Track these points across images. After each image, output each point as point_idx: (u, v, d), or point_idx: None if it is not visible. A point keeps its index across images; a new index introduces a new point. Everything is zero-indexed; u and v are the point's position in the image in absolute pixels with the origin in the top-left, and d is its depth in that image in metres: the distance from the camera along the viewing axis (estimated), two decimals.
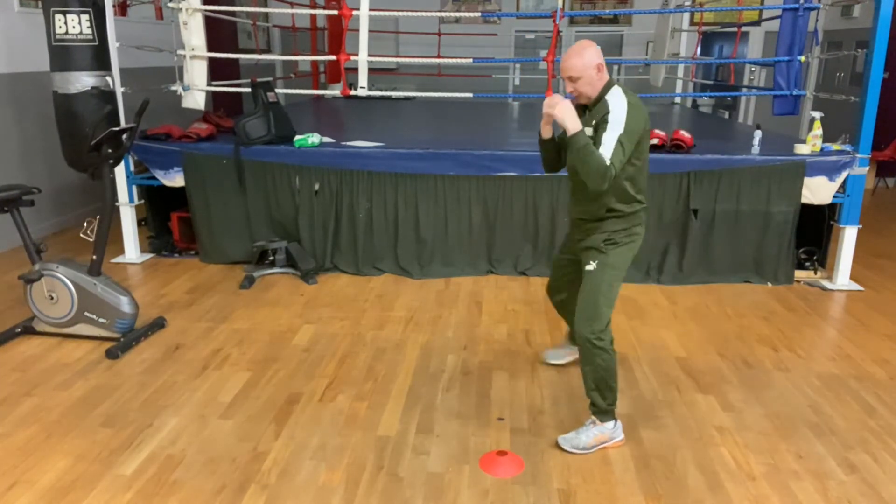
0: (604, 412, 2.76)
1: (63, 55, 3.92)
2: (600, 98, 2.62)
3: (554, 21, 4.75)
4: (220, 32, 7.23)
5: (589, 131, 2.60)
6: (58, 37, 3.89)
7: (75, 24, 3.88)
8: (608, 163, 2.49)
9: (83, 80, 3.91)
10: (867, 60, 4.40)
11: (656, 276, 4.73)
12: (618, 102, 2.57)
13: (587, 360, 2.71)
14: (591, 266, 2.75)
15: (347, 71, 5.14)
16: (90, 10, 3.93)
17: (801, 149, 4.61)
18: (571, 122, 2.54)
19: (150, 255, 5.17)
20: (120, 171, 4.88)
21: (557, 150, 2.84)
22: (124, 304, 3.66)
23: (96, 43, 3.97)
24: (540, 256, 4.83)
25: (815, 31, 5.10)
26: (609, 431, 2.76)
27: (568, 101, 2.60)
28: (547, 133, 2.79)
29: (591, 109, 2.66)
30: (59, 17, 3.86)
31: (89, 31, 3.93)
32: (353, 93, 4.91)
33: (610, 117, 2.54)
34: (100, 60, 4.01)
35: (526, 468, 2.63)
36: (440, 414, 3.02)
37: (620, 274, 2.76)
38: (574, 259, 2.96)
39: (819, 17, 4.82)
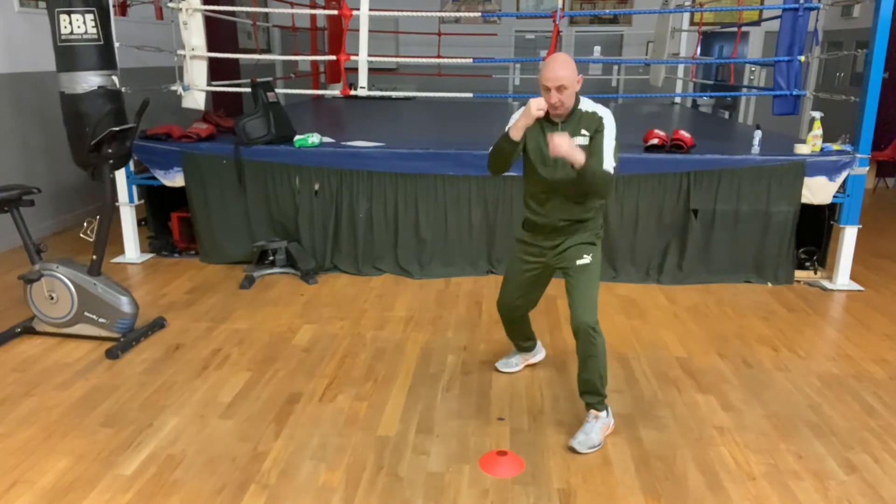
0: (602, 400, 2.84)
1: (69, 55, 3.91)
2: (574, 108, 2.72)
3: (554, 21, 4.76)
4: (220, 32, 7.23)
5: (579, 140, 2.69)
6: (63, 37, 3.89)
7: (80, 24, 3.87)
8: (611, 171, 2.63)
9: (90, 80, 3.91)
10: (867, 60, 4.40)
11: (656, 276, 4.73)
12: (606, 113, 2.73)
13: (591, 351, 2.75)
14: (585, 259, 2.82)
15: (347, 71, 5.15)
16: (94, 9, 3.93)
17: (801, 149, 4.61)
18: (580, 155, 2.60)
19: (150, 255, 5.17)
20: (120, 171, 4.88)
21: (518, 151, 2.84)
22: (124, 304, 3.66)
23: (101, 42, 3.97)
24: None
25: (815, 31, 5.10)
26: (606, 419, 2.85)
27: (565, 134, 2.63)
28: (518, 135, 2.73)
29: (568, 120, 2.73)
30: (63, 17, 3.86)
31: (94, 30, 3.92)
32: (353, 93, 4.91)
33: (605, 123, 2.69)
34: (105, 59, 4.01)
35: (526, 468, 2.63)
36: (440, 414, 3.02)
37: (600, 267, 2.90)
38: (541, 267, 2.98)
39: (819, 17, 4.82)
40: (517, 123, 2.71)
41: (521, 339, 3.38)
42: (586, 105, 2.75)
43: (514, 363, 3.43)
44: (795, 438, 2.86)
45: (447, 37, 9.44)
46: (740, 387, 3.30)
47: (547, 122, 2.75)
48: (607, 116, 2.72)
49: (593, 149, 2.65)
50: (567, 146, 2.59)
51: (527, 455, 2.71)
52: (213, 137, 5.07)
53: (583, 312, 2.74)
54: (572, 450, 2.73)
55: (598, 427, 2.79)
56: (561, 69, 2.62)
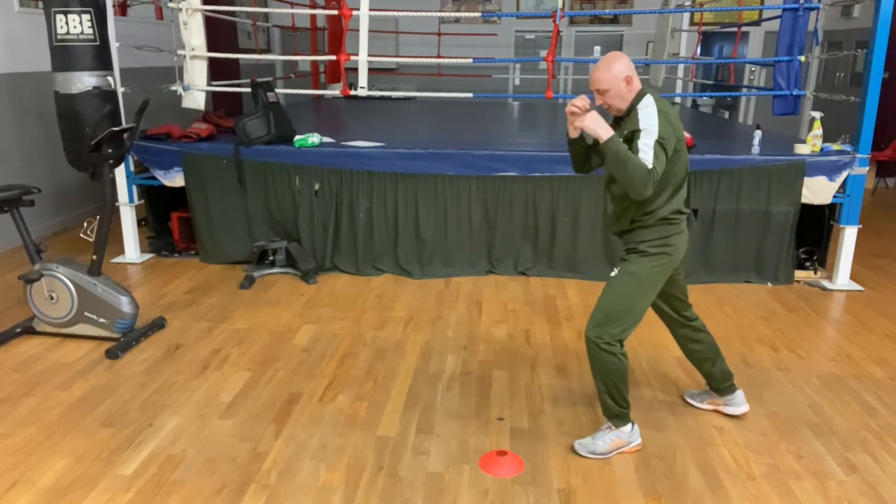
0: (617, 416, 2.71)
1: (64, 55, 3.91)
2: (632, 108, 2.57)
3: (554, 21, 4.75)
4: (220, 32, 7.23)
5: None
6: (59, 37, 3.89)
7: (76, 24, 3.88)
8: (650, 166, 2.41)
9: (85, 80, 3.91)
10: (867, 60, 4.40)
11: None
12: (648, 111, 2.51)
13: (593, 363, 2.66)
14: (614, 271, 2.68)
15: (347, 71, 5.14)
16: (91, 9, 3.93)
17: (801, 149, 4.61)
18: (603, 129, 2.49)
19: (150, 255, 5.17)
20: (120, 171, 4.89)
21: (586, 150, 2.76)
22: (124, 304, 3.66)
23: (97, 43, 3.97)
24: (540, 256, 4.83)
25: (815, 31, 5.10)
26: (626, 436, 2.73)
27: (594, 111, 2.56)
28: (574, 132, 2.67)
29: (624, 120, 2.60)
30: (59, 17, 3.86)
31: (90, 30, 3.92)
32: (353, 93, 4.90)
33: (641, 124, 2.48)
34: (101, 60, 4.01)
35: (526, 468, 2.63)
36: (440, 414, 3.02)
37: (643, 285, 2.63)
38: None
39: (819, 17, 4.81)
40: (568, 125, 2.67)
41: (700, 370, 3.03)
42: (645, 103, 2.54)
43: (699, 399, 3.12)
44: (795, 438, 2.86)
45: (447, 37, 9.45)
46: (740, 387, 3.28)
47: (614, 121, 2.67)
48: (647, 115, 2.50)
49: (632, 147, 2.49)
50: (587, 118, 2.50)
51: (527, 455, 2.71)
52: (213, 137, 5.07)
53: (589, 323, 2.65)
54: (573, 449, 2.74)
55: (608, 437, 2.71)
56: (597, 71, 2.54)
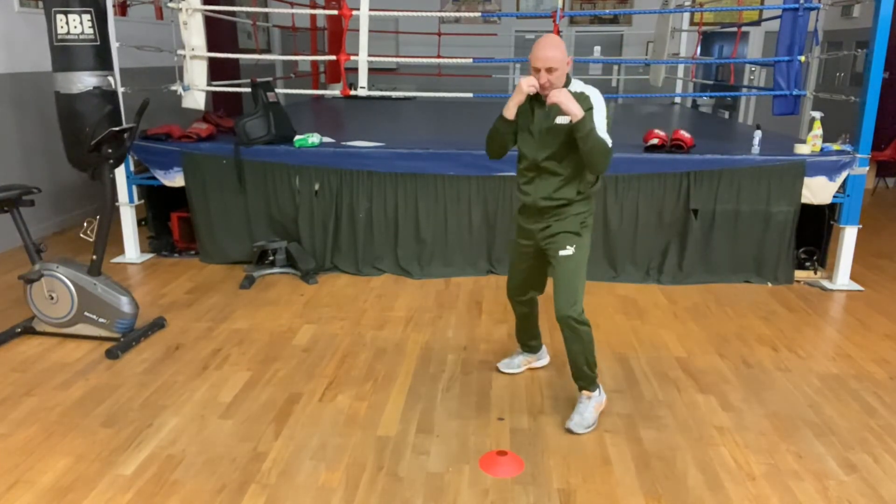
0: (592, 381, 2.93)
1: (65, 55, 3.92)
2: (565, 88, 2.71)
3: (554, 21, 4.76)
4: (220, 32, 7.23)
5: (565, 119, 2.68)
6: (59, 37, 3.89)
7: (77, 24, 3.88)
8: (609, 143, 2.65)
9: (85, 80, 3.91)
10: (867, 60, 4.40)
11: (656, 276, 4.73)
12: (593, 91, 2.74)
13: (574, 340, 2.83)
14: (568, 251, 2.82)
15: (347, 71, 5.15)
16: (91, 9, 3.93)
17: (801, 149, 4.61)
18: (577, 108, 2.61)
19: (150, 255, 5.17)
20: (120, 171, 4.89)
21: (513, 134, 2.87)
22: (124, 304, 3.66)
23: (98, 43, 3.97)
24: None
25: (815, 31, 5.10)
26: (598, 397, 2.96)
27: (564, 88, 2.67)
28: (512, 114, 2.79)
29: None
30: (60, 17, 3.86)
31: (91, 30, 3.92)
32: (353, 93, 4.91)
33: (594, 104, 2.69)
34: (101, 60, 4.01)
35: (526, 468, 2.63)
36: (440, 414, 3.02)
37: (587, 254, 2.89)
38: (533, 250, 2.99)
39: (819, 17, 4.82)
40: (510, 102, 2.78)
41: (528, 336, 3.37)
42: (576, 86, 2.75)
43: (517, 364, 3.42)
44: (795, 438, 2.86)
45: (447, 37, 9.44)
46: (740, 387, 3.30)
47: (537, 103, 2.77)
48: (595, 95, 2.73)
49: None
50: (563, 94, 2.61)
51: (527, 455, 2.71)
52: (213, 137, 5.07)
53: (563, 305, 2.79)
54: (569, 431, 2.83)
55: (591, 406, 2.91)
56: (550, 50, 2.63)
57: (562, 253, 2.81)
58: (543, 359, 3.48)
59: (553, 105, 2.66)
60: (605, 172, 2.74)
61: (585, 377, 2.92)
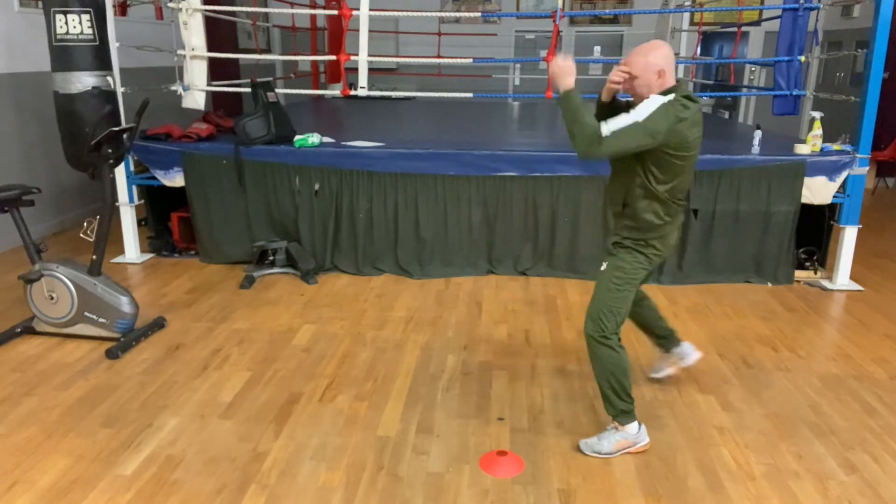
0: (623, 412, 2.69)
1: (64, 55, 3.91)
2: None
3: (554, 21, 4.75)
4: (220, 32, 7.23)
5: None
6: (58, 37, 3.89)
7: (76, 24, 3.87)
8: (603, 132, 2.40)
9: (84, 80, 3.91)
10: (867, 60, 4.40)
11: (656, 276, 4.73)
12: (657, 101, 2.45)
13: (593, 359, 2.68)
14: (602, 265, 2.74)
15: (347, 71, 5.14)
16: (91, 9, 3.93)
17: (801, 149, 4.61)
18: (563, 80, 2.48)
19: (150, 255, 5.17)
20: (120, 171, 4.88)
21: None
22: (124, 304, 3.66)
23: (97, 43, 3.97)
24: (540, 256, 4.83)
25: (815, 31, 5.10)
26: (632, 437, 2.71)
27: (570, 59, 2.52)
28: (607, 96, 2.65)
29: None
30: (59, 17, 3.86)
31: (90, 30, 3.92)
32: (353, 93, 4.90)
33: (639, 106, 2.46)
34: (101, 60, 4.00)
35: (526, 468, 2.63)
36: (440, 414, 3.02)
37: (629, 277, 2.66)
38: None
39: (819, 17, 4.82)
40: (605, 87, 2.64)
41: (651, 333, 3.17)
42: (661, 97, 2.48)
43: (661, 370, 3.26)
44: (795, 438, 2.86)
45: (447, 37, 9.44)
46: (740, 387, 3.30)
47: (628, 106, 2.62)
48: (652, 100, 2.45)
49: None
50: (560, 63, 2.48)
51: (527, 455, 2.71)
52: (213, 137, 5.07)
53: (586, 319, 2.69)
54: (578, 448, 2.73)
55: (613, 438, 2.70)
56: (634, 55, 2.52)
57: (602, 266, 2.73)
58: (690, 356, 3.18)
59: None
60: (583, 157, 2.49)
61: (611, 403, 2.69)
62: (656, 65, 2.49)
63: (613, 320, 2.64)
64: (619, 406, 2.69)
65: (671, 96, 2.48)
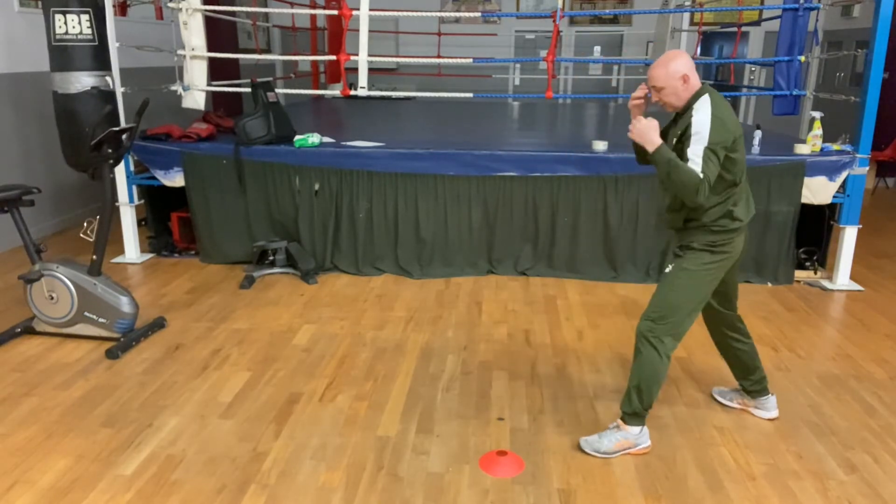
0: (634, 414, 2.70)
1: (63, 55, 3.92)
2: (688, 107, 2.57)
3: (554, 21, 4.75)
4: (220, 32, 7.23)
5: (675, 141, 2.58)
6: (58, 37, 3.89)
7: (75, 24, 3.88)
8: (700, 175, 2.44)
9: (83, 80, 3.92)
10: (867, 60, 4.40)
11: (656, 276, 4.73)
12: (701, 115, 2.50)
13: (636, 356, 2.67)
14: (668, 267, 2.73)
15: (347, 71, 5.14)
16: (90, 10, 3.93)
17: (801, 149, 4.61)
18: (649, 139, 2.54)
19: (150, 255, 5.17)
20: (120, 171, 4.89)
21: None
22: (124, 304, 3.66)
23: (96, 43, 3.97)
24: (540, 256, 4.83)
25: (815, 31, 5.10)
26: (633, 437, 2.71)
27: (646, 121, 2.58)
28: (656, 139, 2.65)
29: (681, 118, 2.62)
30: (58, 17, 3.86)
31: (89, 31, 3.93)
32: (353, 93, 4.90)
33: (692, 130, 2.50)
34: (100, 60, 4.01)
35: (526, 468, 2.63)
36: (440, 414, 3.02)
37: (696, 281, 2.64)
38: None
39: (819, 17, 4.82)
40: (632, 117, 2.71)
41: (734, 371, 3.03)
42: (700, 105, 2.54)
43: (729, 398, 3.12)
44: (795, 438, 2.86)
45: (447, 37, 9.44)
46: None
47: (671, 118, 2.69)
48: (699, 120, 2.50)
49: (683, 150, 2.53)
50: (640, 128, 2.55)
51: (527, 455, 2.71)
52: (213, 137, 5.07)
53: (642, 317, 2.68)
54: (578, 446, 2.74)
55: (615, 437, 2.70)
56: (654, 69, 2.57)
57: (666, 269, 2.73)
58: (770, 410, 3.00)
59: (681, 122, 2.58)
60: (696, 204, 2.52)
61: (630, 402, 2.69)
62: (678, 71, 2.55)
63: (669, 323, 2.62)
64: (635, 408, 2.69)
65: (706, 98, 2.53)
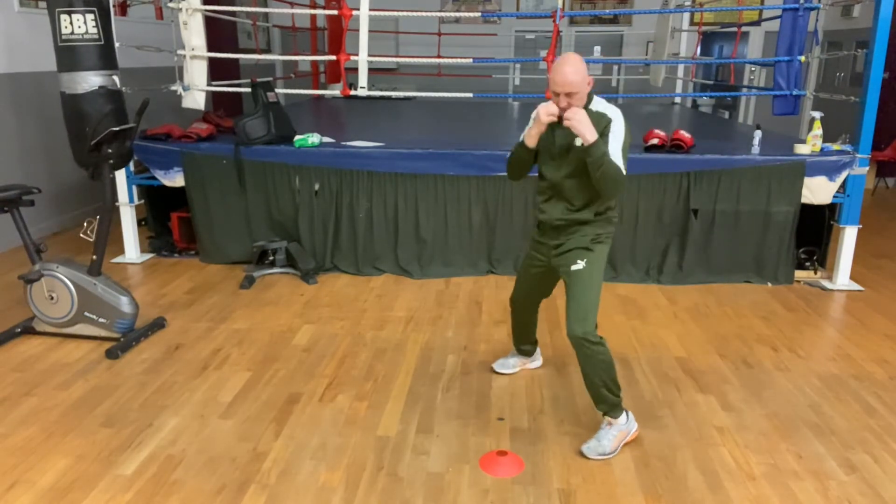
0: (614, 406, 2.74)
1: (70, 55, 3.91)
2: (585, 109, 2.64)
3: (554, 21, 4.75)
4: (220, 32, 7.24)
5: (579, 141, 2.64)
6: (64, 37, 3.88)
7: (81, 24, 3.87)
8: (624, 171, 2.58)
9: (91, 80, 3.91)
10: (867, 60, 4.40)
11: (656, 276, 4.73)
12: (616, 115, 2.67)
13: (587, 361, 2.69)
14: (579, 265, 2.74)
15: (347, 71, 5.15)
16: (95, 9, 3.93)
17: (801, 149, 4.61)
18: (590, 131, 2.55)
19: (150, 255, 5.17)
20: (120, 171, 4.88)
21: (533, 158, 2.85)
22: (124, 304, 3.66)
23: (102, 42, 3.97)
24: None
25: (815, 31, 5.10)
26: (624, 426, 2.76)
27: (582, 110, 2.60)
28: (533, 142, 2.76)
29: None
30: (64, 17, 3.85)
31: (95, 30, 3.92)
32: (353, 93, 4.91)
33: (612, 128, 2.63)
34: (106, 59, 4.01)
35: (526, 468, 2.63)
36: (440, 414, 3.02)
37: (601, 271, 2.80)
38: (545, 267, 2.94)
39: (819, 17, 4.82)
40: (530, 131, 2.74)
41: (523, 341, 3.35)
42: (598, 105, 2.69)
43: (511, 364, 3.42)
44: (795, 438, 2.86)
45: (447, 37, 9.44)
46: (740, 387, 3.30)
47: (557, 123, 2.68)
48: (616, 118, 2.66)
49: None
50: (577, 116, 2.55)
51: (527, 455, 2.71)
52: (213, 137, 5.07)
53: (573, 323, 2.68)
54: (582, 454, 2.71)
55: (611, 434, 2.72)
56: (570, 74, 2.56)
57: (573, 267, 2.75)
58: (537, 360, 3.48)
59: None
60: (613, 198, 2.72)
61: (605, 401, 2.73)
62: (587, 76, 2.61)
63: (594, 317, 2.70)
64: (611, 400, 2.74)
65: (600, 99, 2.74)
